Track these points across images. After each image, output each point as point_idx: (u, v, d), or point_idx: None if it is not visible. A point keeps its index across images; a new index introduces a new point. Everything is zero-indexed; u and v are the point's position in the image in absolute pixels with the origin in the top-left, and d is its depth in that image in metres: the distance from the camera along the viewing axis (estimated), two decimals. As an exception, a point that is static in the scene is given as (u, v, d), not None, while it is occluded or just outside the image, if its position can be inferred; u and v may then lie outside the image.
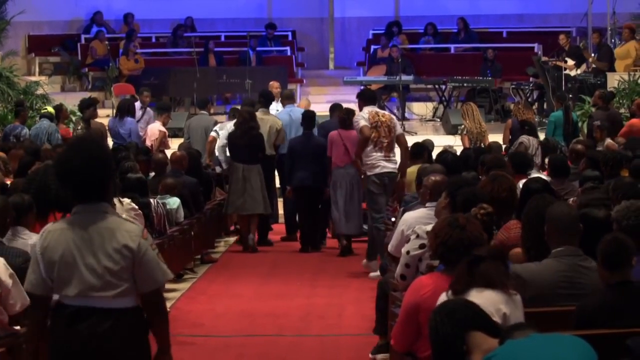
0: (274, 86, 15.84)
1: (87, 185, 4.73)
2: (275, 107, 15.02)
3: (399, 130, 11.86)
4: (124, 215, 8.68)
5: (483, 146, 13.55)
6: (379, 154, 11.61)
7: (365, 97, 12.06)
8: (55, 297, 4.83)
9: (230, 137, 13.19)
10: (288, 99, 14.92)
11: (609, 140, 12.87)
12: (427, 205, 7.58)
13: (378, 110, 12.01)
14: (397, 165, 11.75)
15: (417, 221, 7.34)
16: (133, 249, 4.69)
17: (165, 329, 4.96)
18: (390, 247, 7.69)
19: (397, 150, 11.84)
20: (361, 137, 11.54)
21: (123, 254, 4.69)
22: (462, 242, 5.26)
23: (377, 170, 11.59)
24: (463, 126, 15.07)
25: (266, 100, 14.14)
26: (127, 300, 4.73)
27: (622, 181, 7.78)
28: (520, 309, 4.96)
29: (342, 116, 12.88)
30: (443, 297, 4.93)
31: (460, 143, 14.77)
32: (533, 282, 5.60)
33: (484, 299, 4.50)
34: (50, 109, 15.99)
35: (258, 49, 22.84)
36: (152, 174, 12.05)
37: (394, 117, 12.41)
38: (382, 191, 11.63)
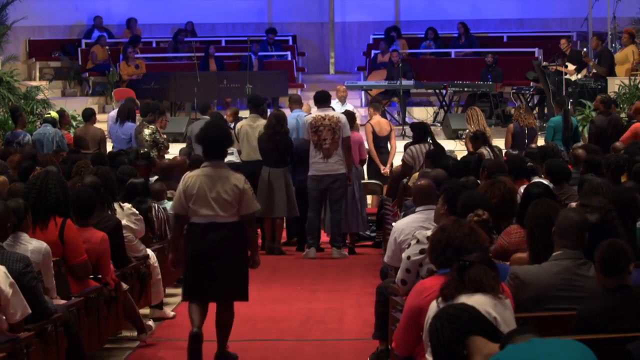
0: (340, 90, 16.26)
1: (215, 148, 7.93)
2: (339, 108, 15.35)
3: (345, 133, 12.76)
4: (124, 220, 8.74)
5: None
6: (318, 156, 12.74)
7: (317, 99, 13.20)
8: None
9: (258, 140, 13.29)
10: (296, 103, 15.05)
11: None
12: (417, 210, 7.59)
13: (327, 113, 12.89)
14: (342, 166, 12.77)
15: (408, 227, 7.35)
16: (240, 187, 7.82)
17: (255, 238, 8.18)
18: (385, 258, 7.70)
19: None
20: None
21: (234, 190, 7.80)
22: (449, 244, 5.30)
23: (314, 172, 12.82)
24: (467, 131, 15.07)
25: (254, 105, 14.18)
26: (234, 217, 7.83)
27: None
28: (510, 312, 4.97)
29: None
30: (433, 305, 4.95)
31: (461, 148, 14.76)
32: (532, 284, 5.62)
33: (473, 303, 4.50)
34: (54, 113, 15.92)
35: (259, 54, 22.85)
36: (153, 178, 12.04)
37: (342, 119, 12.87)
38: (318, 189, 12.82)
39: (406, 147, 13.37)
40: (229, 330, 8.08)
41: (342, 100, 17.61)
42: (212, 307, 8.30)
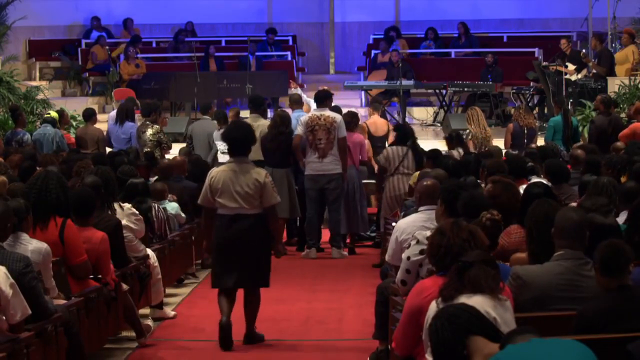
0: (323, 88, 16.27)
1: (239, 145, 8.67)
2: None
3: (340, 134, 12.81)
4: (124, 220, 8.74)
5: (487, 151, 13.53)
6: (314, 155, 12.81)
7: (316, 98, 13.34)
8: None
9: (262, 140, 13.27)
10: (296, 103, 15.04)
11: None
12: (419, 209, 7.59)
13: (323, 112, 12.93)
14: (337, 166, 12.79)
15: (409, 226, 7.35)
16: (261, 182, 8.53)
17: (277, 227, 8.99)
18: (387, 257, 7.69)
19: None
20: (293, 145, 12.98)
21: (256, 184, 8.52)
22: (449, 251, 5.29)
23: (310, 171, 12.86)
24: (468, 131, 15.08)
25: (255, 105, 14.16)
26: (257, 209, 8.56)
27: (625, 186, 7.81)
28: (510, 314, 4.96)
29: (345, 120, 13.03)
30: (433, 305, 4.95)
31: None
32: (533, 284, 5.61)
33: (473, 304, 4.50)
34: (53, 113, 15.91)
35: (258, 53, 22.85)
36: (152, 179, 12.03)
37: (338, 119, 12.90)
38: (315, 189, 12.84)
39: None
40: (256, 312, 8.77)
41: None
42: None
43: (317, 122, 12.78)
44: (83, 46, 24.14)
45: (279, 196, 8.84)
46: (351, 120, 13.37)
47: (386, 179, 12.48)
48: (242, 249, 8.58)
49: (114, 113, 16.01)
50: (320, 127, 12.75)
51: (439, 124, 20.57)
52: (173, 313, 9.79)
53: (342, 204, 13.02)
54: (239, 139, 8.73)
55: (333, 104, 14.34)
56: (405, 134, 12.69)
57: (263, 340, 8.75)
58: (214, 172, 8.73)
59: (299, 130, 12.91)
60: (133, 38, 23.29)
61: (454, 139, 13.46)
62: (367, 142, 14.12)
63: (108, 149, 15.10)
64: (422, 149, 12.91)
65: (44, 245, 7.03)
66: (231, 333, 8.51)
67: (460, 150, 12.93)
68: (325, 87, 16.32)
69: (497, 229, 6.30)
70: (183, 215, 11.35)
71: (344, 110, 14.39)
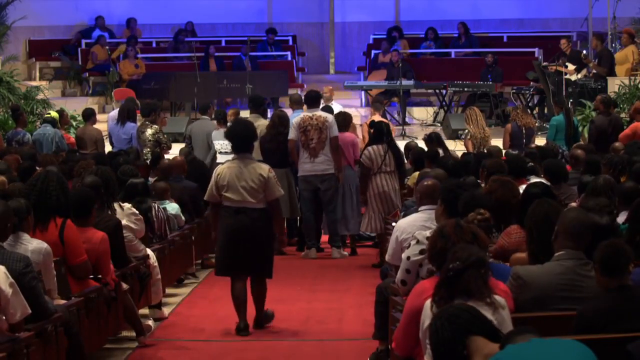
0: (326, 90, 16.19)
1: (243, 142, 9.09)
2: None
3: (332, 133, 12.81)
4: (124, 220, 8.74)
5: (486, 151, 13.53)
6: (305, 155, 12.81)
7: (307, 100, 13.38)
8: None
9: (261, 141, 13.24)
10: (296, 103, 15.03)
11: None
12: (419, 209, 7.59)
13: (315, 113, 12.96)
14: (330, 166, 12.77)
15: (410, 226, 7.35)
16: (265, 176, 8.99)
17: (280, 219, 10.24)
18: (387, 257, 7.70)
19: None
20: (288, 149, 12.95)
21: (260, 179, 8.97)
22: (446, 251, 5.28)
23: (302, 172, 12.87)
24: (467, 131, 15.07)
25: (255, 105, 14.14)
26: (262, 203, 9.00)
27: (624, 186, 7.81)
28: (507, 319, 4.95)
29: (337, 120, 13.03)
30: (427, 307, 4.94)
31: (461, 148, 14.77)
32: (533, 284, 5.61)
33: None
34: (54, 113, 15.90)
35: (259, 53, 22.83)
36: (152, 179, 12.02)
37: (330, 119, 12.90)
38: (309, 190, 12.83)
39: (408, 147, 13.41)
40: (263, 300, 9.23)
41: (328, 100, 17.19)
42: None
43: (309, 122, 12.76)
44: (83, 46, 24.14)
45: (281, 190, 9.27)
46: (343, 120, 13.32)
47: (369, 179, 12.43)
48: (246, 240, 8.96)
49: (114, 113, 16.01)
50: (313, 127, 12.73)
51: (439, 124, 20.56)
52: (166, 313, 9.74)
53: (338, 204, 12.98)
54: (241, 136, 9.12)
55: (332, 108, 14.35)
56: (380, 132, 12.65)
57: (273, 317, 9.34)
58: (219, 169, 9.14)
59: (291, 134, 12.85)
60: (129, 38, 23.29)
61: (433, 141, 13.44)
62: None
63: (109, 149, 15.09)
64: (396, 144, 12.96)
65: (44, 245, 7.03)
66: (248, 332, 9.01)
67: (441, 151, 12.93)
68: (330, 87, 16.39)
69: (487, 228, 6.29)
70: (183, 218, 11.35)
71: (337, 110, 14.40)
